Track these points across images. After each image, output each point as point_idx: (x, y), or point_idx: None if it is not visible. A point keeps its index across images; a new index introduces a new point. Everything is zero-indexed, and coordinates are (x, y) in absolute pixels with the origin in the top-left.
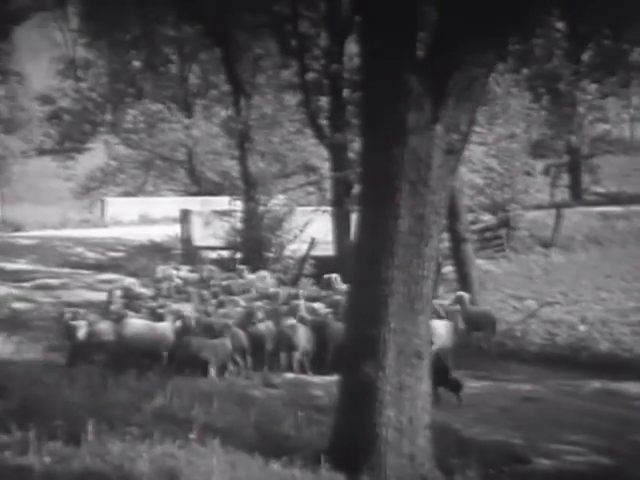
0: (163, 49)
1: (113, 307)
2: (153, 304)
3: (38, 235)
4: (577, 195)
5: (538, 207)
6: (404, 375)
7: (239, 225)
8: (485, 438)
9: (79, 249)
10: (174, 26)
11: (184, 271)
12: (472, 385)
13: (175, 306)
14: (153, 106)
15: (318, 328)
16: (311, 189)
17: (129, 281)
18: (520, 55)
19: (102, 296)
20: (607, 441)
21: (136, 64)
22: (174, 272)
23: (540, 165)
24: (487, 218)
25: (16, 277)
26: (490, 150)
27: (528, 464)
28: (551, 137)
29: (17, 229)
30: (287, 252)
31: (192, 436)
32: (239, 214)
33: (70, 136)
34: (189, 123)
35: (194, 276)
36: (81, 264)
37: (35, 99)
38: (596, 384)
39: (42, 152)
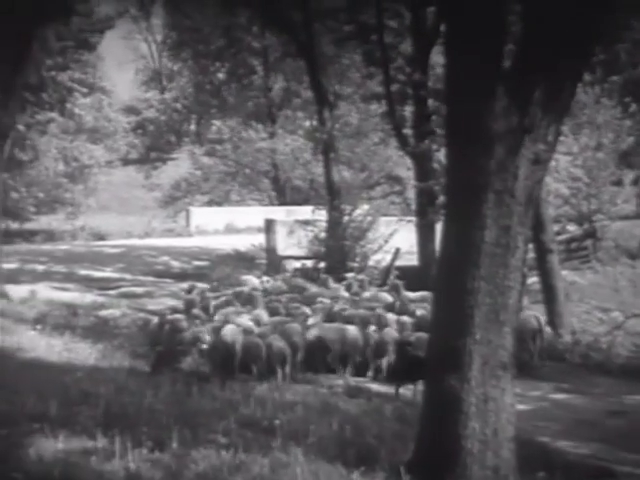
0: (247, 60)
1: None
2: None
3: (123, 244)
4: None
5: (625, 218)
6: (489, 387)
7: (323, 235)
8: (570, 451)
9: (164, 258)
10: (258, 36)
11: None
12: (556, 397)
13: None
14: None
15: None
16: (395, 199)
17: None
18: (606, 63)
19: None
20: None
21: (220, 75)
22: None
23: (630, 175)
24: (573, 229)
25: (102, 285)
26: (576, 160)
27: (614, 479)
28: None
29: (102, 238)
30: (371, 262)
31: (275, 445)
32: (323, 224)
33: (155, 146)
34: (273, 133)
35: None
36: (166, 273)
37: (120, 110)
38: None
39: (127, 162)
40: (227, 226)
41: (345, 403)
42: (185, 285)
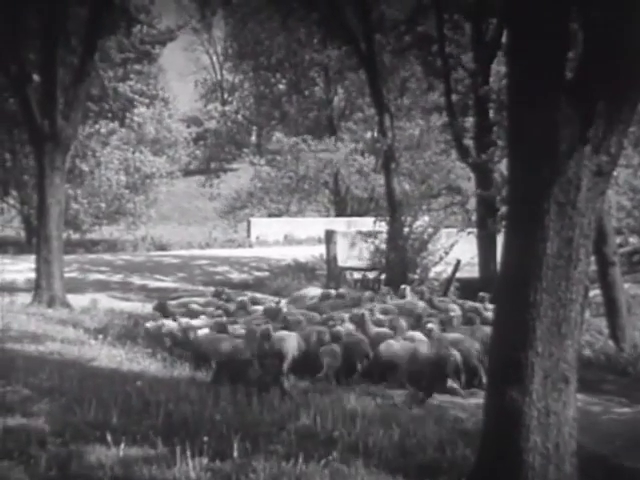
0: (308, 72)
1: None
2: None
3: (184, 254)
4: None
5: None
6: (551, 400)
7: (383, 246)
8: (633, 467)
9: (224, 268)
10: (319, 48)
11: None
12: (620, 411)
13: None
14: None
15: None
16: (456, 210)
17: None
18: None
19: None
20: None
21: (281, 87)
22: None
23: None
24: (635, 241)
25: (163, 295)
26: (638, 172)
27: None
28: None
29: (163, 248)
30: (432, 274)
31: (335, 456)
32: (384, 235)
33: (215, 157)
34: (334, 144)
35: None
36: (226, 283)
37: (181, 121)
38: None
39: (188, 173)
40: (287, 237)
41: (405, 414)
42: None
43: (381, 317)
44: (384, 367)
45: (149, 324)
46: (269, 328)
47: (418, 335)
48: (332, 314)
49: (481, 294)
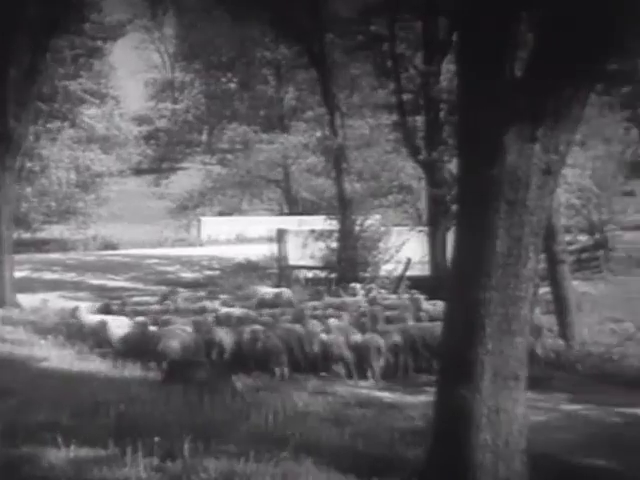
0: (259, 70)
1: None
2: None
3: (135, 253)
4: None
5: (637, 228)
6: (501, 398)
7: (335, 245)
8: (584, 463)
9: (175, 267)
10: (270, 47)
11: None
12: (568, 408)
13: None
14: (245, 129)
15: None
16: (407, 209)
17: None
18: (621, 73)
19: None
20: None
21: (232, 85)
22: None
23: None
24: (584, 239)
25: (114, 295)
26: (586, 170)
27: None
28: None
29: (114, 247)
30: (383, 272)
31: (286, 455)
32: (335, 234)
33: (166, 156)
34: (284, 142)
35: None
36: (178, 282)
37: (132, 119)
38: None
39: (139, 172)
40: (238, 236)
41: (356, 413)
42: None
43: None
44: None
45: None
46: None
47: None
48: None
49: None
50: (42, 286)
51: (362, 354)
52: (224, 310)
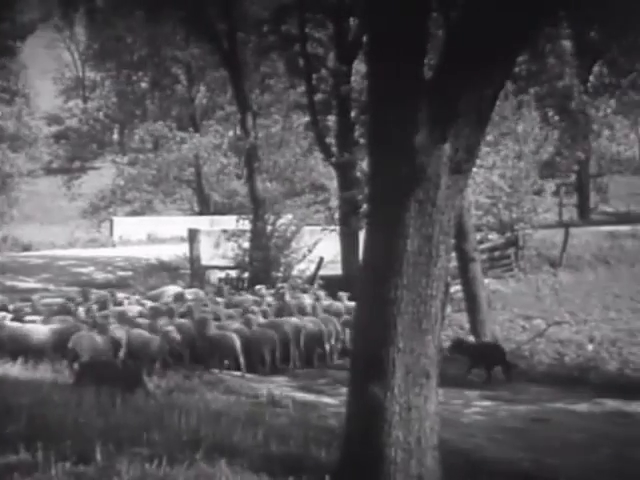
0: (170, 69)
1: None
2: None
3: (47, 254)
4: (585, 214)
5: (546, 226)
6: (412, 395)
7: (247, 244)
8: (495, 459)
9: (88, 268)
10: (182, 46)
11: None
12: (481, 405)
13: None
14: (159, 126)
15: None
16: (319, 208)
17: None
18: (530, 74)
19: None
20: (618, 463)
21: (143, 84)
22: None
23: (550, 185)
24: (495, 237)
25: (25, 296)
26: (497, 170)
27: None
28: (561, 156)
29: (26, 248)
30: (295, 272)
31: (199, 457)
32: (247, 233)
33: (77, 156)
34: (196, 142)
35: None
36: (90, 283)
37: (42, 118)
38: (606, 404)
39: (50, 171)
40: (151, 236)
41: (269, 413)
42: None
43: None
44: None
45: None
46: None
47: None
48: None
49: (340, 293)
50: None
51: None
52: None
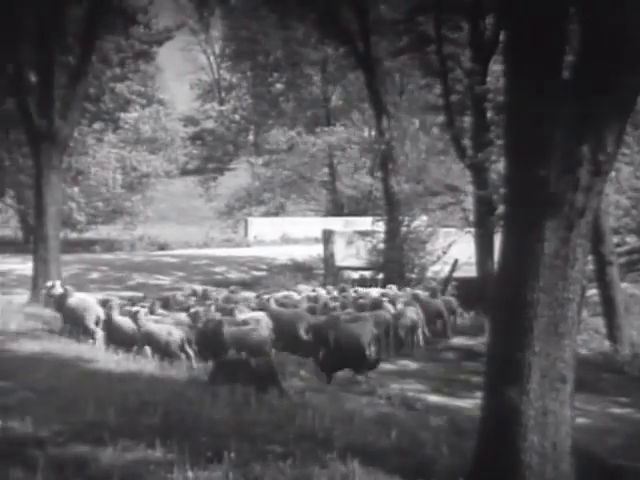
0: (306, 71)
1: None
2: None
3: (182, 254)
4: None
5: None
6: (548, 399)
7: (381, 245)
8: (629, 466)
9: (222, 268)
10: (317, 48)
11: None
12: (615, 411)
13: None
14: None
15: None
16: (454, 210)
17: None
18: None
19: None
20: None
21: (279, 86)
22: None
23: None
24: (633, 240)
25: (160, 294)
26: (637, 171)
27: None
28: None
29: (161, 248)
30: (429, 273)
31: (332, 456)
32: (381, 234)
33: (213, 157)
34: (330, 143)
35: None
36: (224, 282)
37: (178, 120)
38: None
39: (185, 172)
40: (284, 236)
41: (402, 414)
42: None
43: None
44: None
45: None
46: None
47: None
48: None
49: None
50: (90, 285)
51: None
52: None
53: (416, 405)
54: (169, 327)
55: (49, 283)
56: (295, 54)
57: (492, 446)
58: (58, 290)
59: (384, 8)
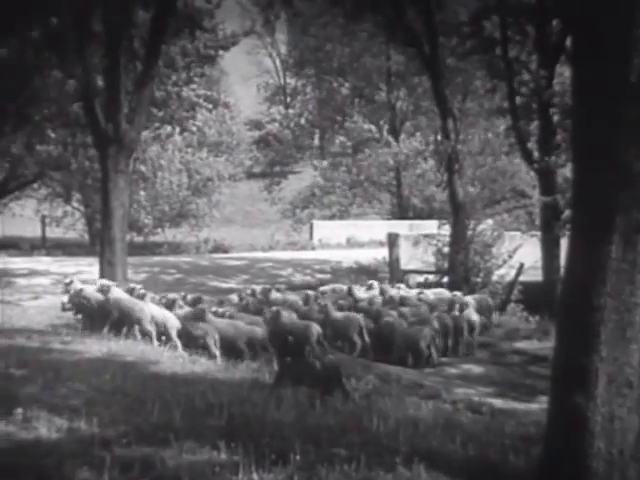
0: (370, 75)
1: None
2: None
3: (247, 256)
4: None
5: None
6: (615, 405)
7: (446, 249)
8: None
9: (287, 271)
10: (381, 52)
11: None
12: None
13: None
14: (361, 130)
15: None
16: (520, 214)
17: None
18: None
19: None
20: None
21: (344, 90)
22: None
23: None
24: None
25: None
26: None
27: None
28: None
29: (226, 251)
30: (495, 277)
31: (398, 460)
32: (447, 238)
33: (278, 160)
34: (396, 147)
35: None
36: (289, 285)
37: (244, 124)
38: None
39: (250, 175)
40: (349, 239)
41: (468, 418)
42: None
43: None
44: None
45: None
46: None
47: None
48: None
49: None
50: (158, 288)
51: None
52: None
53: (481, 409)
54: (235, 323)
55: (67, 279)
56: (360, 59)
57: (558, 451)
58: (77, 286)
59: (449, 11)
